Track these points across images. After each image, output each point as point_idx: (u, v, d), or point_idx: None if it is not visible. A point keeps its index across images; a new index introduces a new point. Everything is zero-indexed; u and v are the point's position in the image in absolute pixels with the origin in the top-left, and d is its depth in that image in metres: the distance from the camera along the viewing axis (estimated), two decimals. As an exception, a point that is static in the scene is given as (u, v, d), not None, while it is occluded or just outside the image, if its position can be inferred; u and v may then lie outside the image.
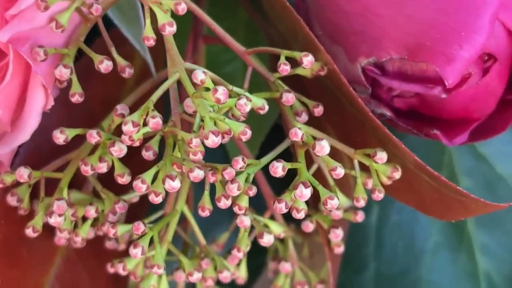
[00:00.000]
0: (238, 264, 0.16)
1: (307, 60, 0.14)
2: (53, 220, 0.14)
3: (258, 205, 0.16)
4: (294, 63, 0.15)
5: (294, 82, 0.15)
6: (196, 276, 0.15)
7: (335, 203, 0.14)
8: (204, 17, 0.16)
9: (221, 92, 0.13)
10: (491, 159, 0.21)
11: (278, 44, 0.17)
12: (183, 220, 0.16)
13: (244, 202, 0.14)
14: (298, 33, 0.15)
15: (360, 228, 0.16)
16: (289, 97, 0.15)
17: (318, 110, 0.15)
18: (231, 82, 0.15)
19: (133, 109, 0.15)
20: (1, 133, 0.15)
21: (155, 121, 0.13)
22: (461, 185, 0.21)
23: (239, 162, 0.13)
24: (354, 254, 0.21)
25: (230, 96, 0.14)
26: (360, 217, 0.16)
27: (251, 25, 0.19)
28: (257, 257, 0.16)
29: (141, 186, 0.13)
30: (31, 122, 0.14)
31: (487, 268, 0.21)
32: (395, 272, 0.20)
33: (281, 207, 0.14)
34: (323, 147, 0.13)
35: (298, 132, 0.13)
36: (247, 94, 0.14)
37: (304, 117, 0.15)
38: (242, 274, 0.17)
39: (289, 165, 0.14)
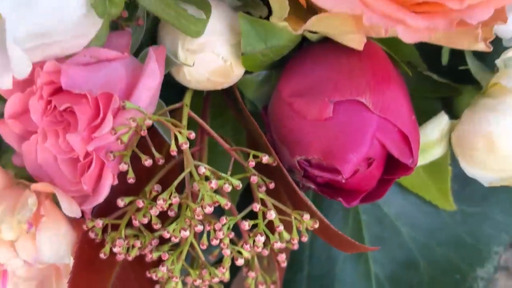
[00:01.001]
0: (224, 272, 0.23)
1: (265, 158, 0.21)
2: (115, 249, 0.21)
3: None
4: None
5: (259, 167, 0.22)
6: (198, 281, 0.22)
7: (278, 244, 0.21)
8: (204, 125, 0.23)
9: (214, 182, 0.20)
10: (380, 203, 0.28)
11: (253, 138, 0.23)
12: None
13: (226, 241, 0.21)
14: (260, 137, 0.22)
15: (299, 244, 0.22)
16: (255, 178, 0.21)
17: (272, 185, 0.22)
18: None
19: (166, 176, 0.22)
20: (86, 197, 0.22)
21: (176, 199, 0.20)
22: (362, 219, 0.28)
23: (223, 220, 0.20)
24: (294, 260, 0.28)
25: (219, 178, 0.21)
26: (295, 246, 0.23)
27: (236, 123, 0.26)
28: (235, 265, 0.23)
29: (167, 234, 0.21)
30: (104, 191, 0.21)
31: (376, 271, 0.28)
32: (320, 273, 0.28)
33: (247, 247, 0.21)
34: (271, 214, 0.20)
35: (257, 205, 0.20)
36: (229, 178, 0.21)
37: (263, 188, 0.22)
38: (226, 277, 0.23)
39: (252, 222, 0.21)
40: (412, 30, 0.19)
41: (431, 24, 0.19)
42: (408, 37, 0.19)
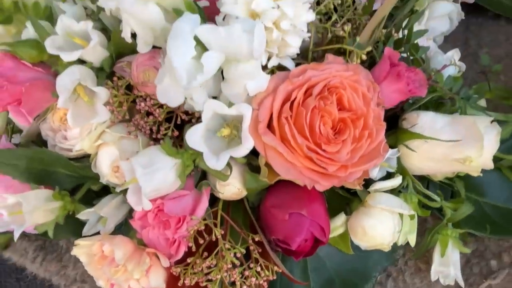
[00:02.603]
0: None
1: (257, 237, 0.36)
2: (186, 281, 0.35)
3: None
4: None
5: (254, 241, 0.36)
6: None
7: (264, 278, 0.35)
8: (228, 219, 0.37)
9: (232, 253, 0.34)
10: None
11: (252, 223, 0.38)
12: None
13: (238, 277, 0.35)
14: (256, 223, 0.37)
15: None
16: (252, 247, 0.36)
17: (259, 250, 0.36)
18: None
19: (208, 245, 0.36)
20: (171, 256, 0.36)
21: (213, 261, 0.34)
22: (307, 259, 0.42)
23: (236, 271, 0.35)
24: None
25: (234, 248, 0.35)
26: (271, 278, 0.37)
27: (245, 214, 0.40)
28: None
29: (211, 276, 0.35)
30: (181, 254, 0.35)
31: (313, 285, 0.42)
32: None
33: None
34: (258, 267, 0.35)
35: (251, 264, 0.35)
36: (239, 248, 0.35)
37: (256, 251, 0.36)
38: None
39: (249, 271, 0.35)
40: (322, 186, 0.34)
41: (331, 183, 0.34)
42: (321, 187, 0.34)
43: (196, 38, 0.28)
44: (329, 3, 0.36)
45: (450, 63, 0.42)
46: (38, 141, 0.42)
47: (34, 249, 0.46)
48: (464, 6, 0.63)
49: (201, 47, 0.28)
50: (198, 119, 0.35)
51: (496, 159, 0.43)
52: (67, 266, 0.44)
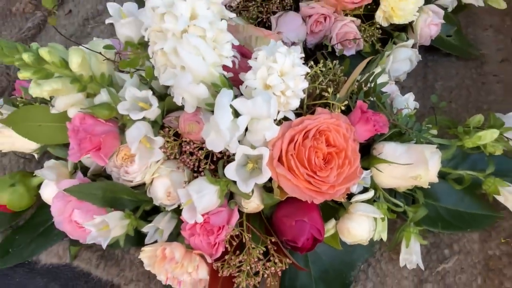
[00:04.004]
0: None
1: (273, 239, 0.50)
2: (224, 273, 0.50)
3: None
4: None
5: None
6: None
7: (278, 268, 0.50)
8: (249, 226, 0.52)
9: (256, 251, 0.49)
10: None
11: (268, 227, 0.52)
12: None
13: (262, 269, 0.50)
14: (271, 227, 0.51)
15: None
16: (270, 246, 0.50)
17: (275, 249, 0.51)
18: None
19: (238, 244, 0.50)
20: (212, 255, 0.50)
21: (244, 257, 0.49)
22: (308, 254, 0.57)
23: (260, 263, 0.49)
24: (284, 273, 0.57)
25: (257, 247, 0.50)
26: (284, 267, 0.51)
27: (261, 222, 0.55)
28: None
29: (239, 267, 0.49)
30: (219, 253, 0.49)
31: (314, 274, 0.57)
32: (295, 276, 0.56)
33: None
34: (276, 261, 0.49)
35: (271, 258, 0.49)
36: (260, 247, 0.50)
37: (273, 249, 0.50)
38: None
39: (269, 264, 0.50)
40: (318, 200, 0.48)
41: (324, 198, 0.48)
42: (317, 201, 0.49)
43: (231, 106, 0.43)
44: (317, 68, 0.52)
45: (405, 106, 0.57)
46: (102, 175, 0.56)
47: (96, 258, 0.59)
48: (423, 46, 0.80)
49: (235, 112, 0.43)
50: (228, 156, 0.49)
51: (445, 174, 0.59)
52: (124, 269, 0.58)
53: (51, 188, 0.55)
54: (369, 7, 0.75)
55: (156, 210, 0.54)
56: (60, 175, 0.55)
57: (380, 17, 0.74)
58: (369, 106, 0.53)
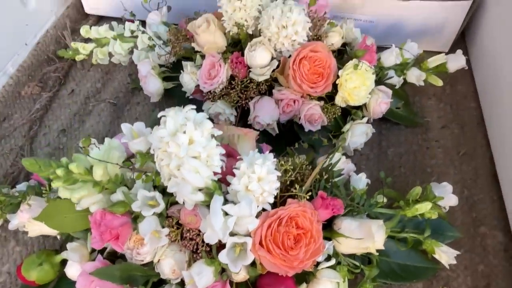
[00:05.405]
0: None
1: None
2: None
3: None
4: None
5: None
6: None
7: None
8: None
9: None
10: None
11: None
12: None
13: None
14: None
15: None
16: None
17: (259, 310, 0.64)
18: None
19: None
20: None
21: None
22: None
23: None
24: None
25: None
26: None
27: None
28: None
29: None
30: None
31: None
32: None
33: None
34: None
35: None
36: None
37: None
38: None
39: None
40: (291, 273, 0.63)
41: (295, 271, 0.63)
42: (291, 274, 0.63)
43: (223, 210, 0.57)
44: (287, 166, 0.67)
45: (356, 191, 0.73)
46: (117, 255, 0.69)
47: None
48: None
49: (225, 214, 0.58)
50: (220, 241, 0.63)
51: (393, 236, 0.74)
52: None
53: (75, 267, 0.68)
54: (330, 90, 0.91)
55: (163, 281, 0.68)
56: (82, 256, 0.68)
57: (339, 100, 0.90)
58: (327, 189, 0.68)
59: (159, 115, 0.59)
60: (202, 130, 0.58)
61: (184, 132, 0.56)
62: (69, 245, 0.70)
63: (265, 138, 0.92)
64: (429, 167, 0.93)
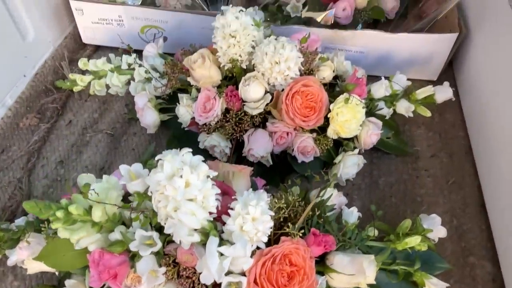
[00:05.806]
0: None
1: None
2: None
3: None
4: None
5: None
6: None
7: None
8: None
9: None
10: None
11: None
12: None
13: None
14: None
15: None
16: None
17: None
18: None
19: None
20: None
21: None
22: None
23: None
24: None
25: None
26: None
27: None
28: None
29: None
30: None
31: None
32: None
33: None
34: None
35: None
36: None
37: None
38: None
39: None
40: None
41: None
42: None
43: (218, 251, 0.59)
44: (280, 204, 0.69)
45: (348, 225, 0.75)
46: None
47: None
48: (368, 147, 0.98)
49: (221, 255, 0.59)
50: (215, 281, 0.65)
51: (384, 268, 0.76)
52: None
53: (73, 304, 0.69)
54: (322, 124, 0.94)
55: (159, 316, 0.69)
56: (80, 293, 0.69)
57: (331, 133, 0.92)
58: (320, 224, 0.70)
59: (156, 158, 0.61)
60: (198, 173, 0.60)
61: (181, 176, 0.58)
62: (67, 282, 0.71)
63: (259, 169, 0.94)
64: (419, 196, 0.95)
